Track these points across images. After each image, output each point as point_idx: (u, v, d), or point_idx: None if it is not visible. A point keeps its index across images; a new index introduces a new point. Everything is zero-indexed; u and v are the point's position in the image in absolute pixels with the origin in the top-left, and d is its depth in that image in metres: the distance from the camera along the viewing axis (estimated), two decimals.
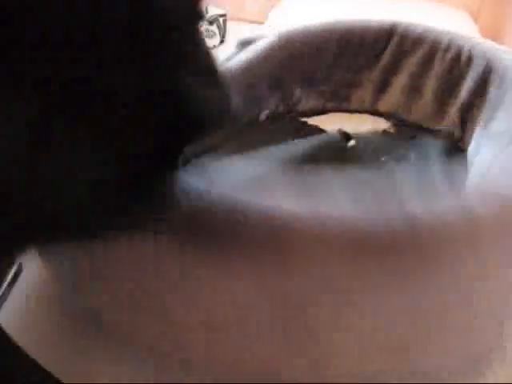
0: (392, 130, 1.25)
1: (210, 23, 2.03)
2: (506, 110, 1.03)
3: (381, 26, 1.23)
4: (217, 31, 2.04)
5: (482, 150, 1.07)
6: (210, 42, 1.93)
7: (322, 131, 1.26)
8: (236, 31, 2.10)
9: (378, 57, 1.25)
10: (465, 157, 1.14)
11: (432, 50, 1.18)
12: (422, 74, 1.22)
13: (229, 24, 2.14)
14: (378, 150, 1.13)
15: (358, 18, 1.25)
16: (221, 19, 2.09)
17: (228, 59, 1.18)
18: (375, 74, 1.27)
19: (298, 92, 1.27)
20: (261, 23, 2.03)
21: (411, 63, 1.22)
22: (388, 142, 1.19)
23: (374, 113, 1.30)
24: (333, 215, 0.56)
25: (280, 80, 1.22)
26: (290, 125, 1.28)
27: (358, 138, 1.17)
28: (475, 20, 2.04)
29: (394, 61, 1.24)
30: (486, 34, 1.96)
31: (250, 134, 1.21)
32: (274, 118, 1.26)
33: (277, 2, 2.13)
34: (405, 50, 1.22)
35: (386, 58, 1.24)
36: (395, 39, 1.22)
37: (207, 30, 2.00)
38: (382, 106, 1.29)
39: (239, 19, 2.28)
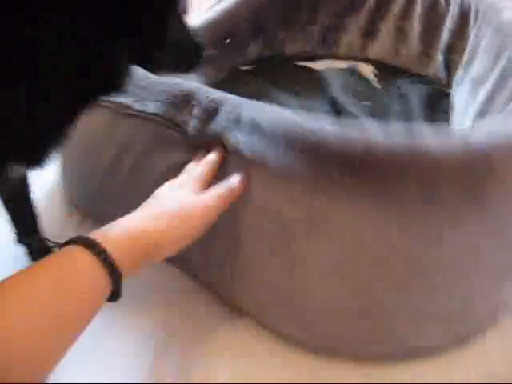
0: (380, 75, 1.23)
1: None
2: (481, 52, 1.00)
3: None
4: None
5: (461, 93, 1.06)
6: None
7: (311, 70, 1.26)
8: None
9: (362, 0, 1.23)
10: (450, 101, 1.13)
11: None
12: (406, 17, 1.19)
13: None
14: (363, 96, 1.12)
15: None
16: None
17: (210, 8, 1.19)
18: (361, 19, 1.25)
19: (281, 35, 1.27)
20: None
21: (395, 6, 1.20)
22: (373, 89, 1.17)
23: (364, 60, 1.28)
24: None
25: (261, 24, 1.22)
26: (278, 66, 1.27)
27: (342, 84, 1.15)
28: None
29: (378, 4, 1.22)
30: None
31: (239, 80, 1.22)
32: (260, 61, 1.27)
33: None
34: None
35: (370, 1, 1.23)
36: None
37: None
38: (372, 52, 1.27)
39: None
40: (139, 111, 0.72)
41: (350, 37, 1.28)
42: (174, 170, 0.66)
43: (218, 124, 0.66)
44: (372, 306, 0.63)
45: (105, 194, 0.84)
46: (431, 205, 0.57)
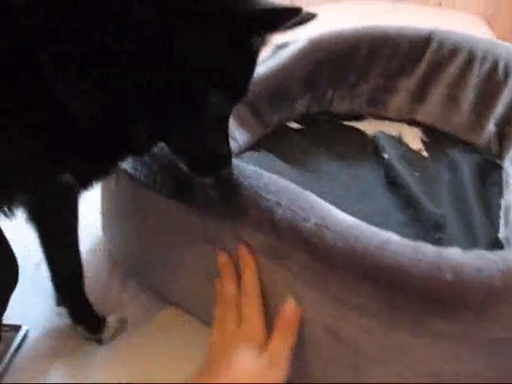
0: (428, 141, 1.21)
1: None
2: None
3: (417, 34, 1.20)
4: None
5: None
6: None
7: (359, 132, 1.24)
8: None
9: (414, 64, 1.21)
10: (501, 174, 1.09)
11: (469, 59, 1.14)
12: (459, 85, 1.17)
13: None
14: (412, 166, 1.10)
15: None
16: None
17: (262, 62, 1.19)
18: (412, 82, 1.23)
19: (330, 93, 1.25)
20: None
21: (448, 73, 1.18)
22: (421, 160, 1.15)
23: (412, 122, 1.26)
24: None
25: (311, 81, 1.21)
26: (326, 125, 1.26)
27: (394, 152, 1.14)
28: (489, 24, 1.91)
29: (431, 69, 1.20)
30: (503, 38, 1.79)
31: (286, 135, 1.21)
32: (305, 118, 1.26)
33: None
34: (442, 59, 1.18)
35: (423, 66, 1.21)
36: (432, 47, 1.18)
37: None
38: (420, 115, 1.25)
39: None
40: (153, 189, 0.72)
41: (399, 99, 1.26)
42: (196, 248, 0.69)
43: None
44: None
45: (145, 255, 0.84)
46: None
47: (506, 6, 1.99)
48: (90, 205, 0.78)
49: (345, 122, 1.28)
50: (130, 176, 0.74)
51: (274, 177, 0.67)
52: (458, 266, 0.54)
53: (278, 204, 0.62)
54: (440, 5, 2.06)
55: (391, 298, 0.55)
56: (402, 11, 1.92)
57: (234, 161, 0.66)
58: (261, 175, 0.67)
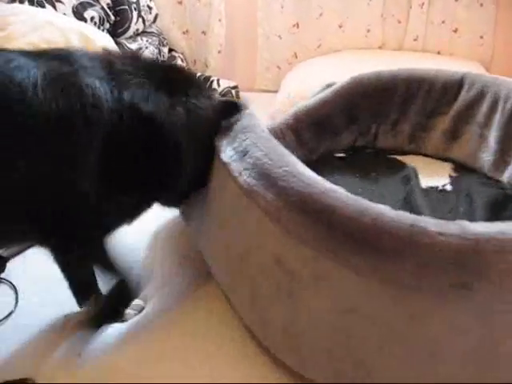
0: (455, 175, 1.31)
1: (223, 96, 1.93)
2: None
3: (451, 76, 1.32)
4: None
5: None
6: None
7: (402, 164, 1.35)
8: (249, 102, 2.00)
9: (448, 104, 1.33)
10: None
11: (494, 100, 1.25)
12: (488, 124, 1.27)
13: (241, 95, 2.03)
14: (431, 196, 1.21)
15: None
16: (233, 91, 2.01)
17: (313, 96, 1.34)
18: (447, 122, 1.35)
19: (373, 128, 1.39)
20: (274, 92, 1.99)
21: (479, 112, 1.29)
22: (443, 193, 1.24)
23: (447, 159, 1.37)
24: None
25: (353, 115, 1.36)
26: (371, 157, 1.40)
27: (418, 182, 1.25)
28: (487, 69, 2.01)
29: (464, 109, 1.32)
30: None
31: (328, 162, 1.34)
32: (351, 150, 1.40)
33: (288, 70, 2.10)
34: (473, 100, 1.29)
35: (456, 106, 1.32)
36: (464, 89, 1.30)
37: None
38: (454, 153, 1.36)
39: (251, 89, 2.17)
40: None
41: (436, 137, 1.38)
42: None
43: None
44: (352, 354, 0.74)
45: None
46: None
47: (501, 52, 2.13)
48: None
49: (389, 156, 1.40)
50: None
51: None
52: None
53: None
54: (439, 53, 2.20)
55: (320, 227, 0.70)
56: (403, 60, 2.02)
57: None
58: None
